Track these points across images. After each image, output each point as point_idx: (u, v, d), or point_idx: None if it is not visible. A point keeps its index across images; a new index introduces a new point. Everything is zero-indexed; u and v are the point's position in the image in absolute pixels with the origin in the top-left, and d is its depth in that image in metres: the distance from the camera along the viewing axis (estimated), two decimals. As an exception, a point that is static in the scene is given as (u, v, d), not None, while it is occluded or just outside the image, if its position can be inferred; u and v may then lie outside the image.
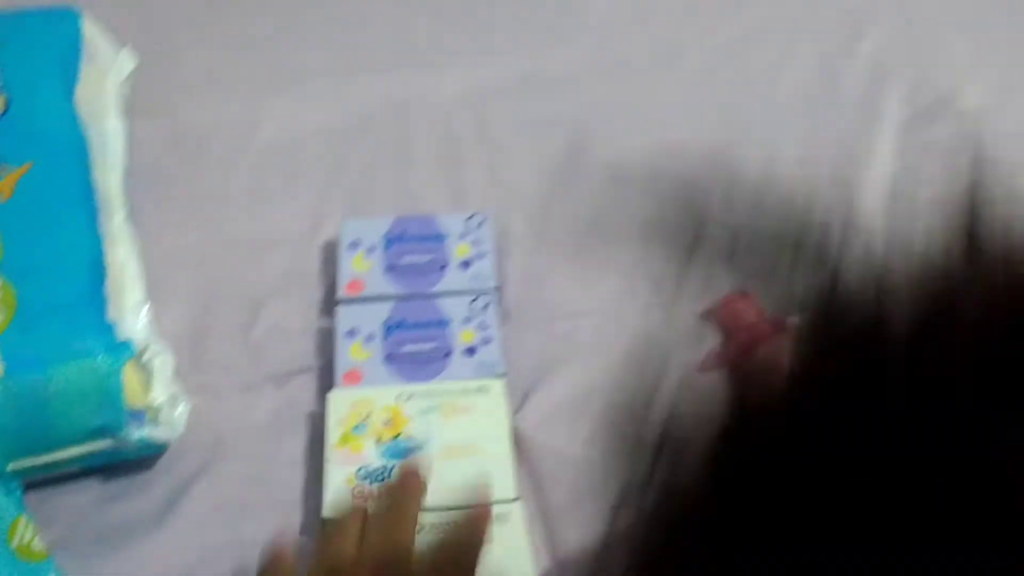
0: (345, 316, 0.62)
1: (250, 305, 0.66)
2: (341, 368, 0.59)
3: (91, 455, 0.55)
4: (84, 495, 0.58)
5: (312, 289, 0.66)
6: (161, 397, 0.55)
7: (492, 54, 0.80)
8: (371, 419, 0.56)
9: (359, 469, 0.54)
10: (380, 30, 0.81)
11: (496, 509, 0.50)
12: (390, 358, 0.59)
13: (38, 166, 0.58)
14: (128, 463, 0.58)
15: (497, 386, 0.58)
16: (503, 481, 0.54)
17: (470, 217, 0.66)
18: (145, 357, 0.54)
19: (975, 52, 0.81)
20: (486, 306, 0.62)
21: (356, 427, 0.56)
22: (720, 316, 0.63)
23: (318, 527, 0.54)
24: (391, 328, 0.61)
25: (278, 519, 0.55)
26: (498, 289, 0.63)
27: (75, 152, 0.60)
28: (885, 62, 0.82)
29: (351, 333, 0.61)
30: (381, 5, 0.83)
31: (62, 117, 0.61)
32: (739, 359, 0.60)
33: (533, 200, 0.71)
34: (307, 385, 0.62)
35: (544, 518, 0.56)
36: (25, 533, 0.49)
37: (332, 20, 0.81)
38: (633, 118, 0.78)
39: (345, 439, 0.56)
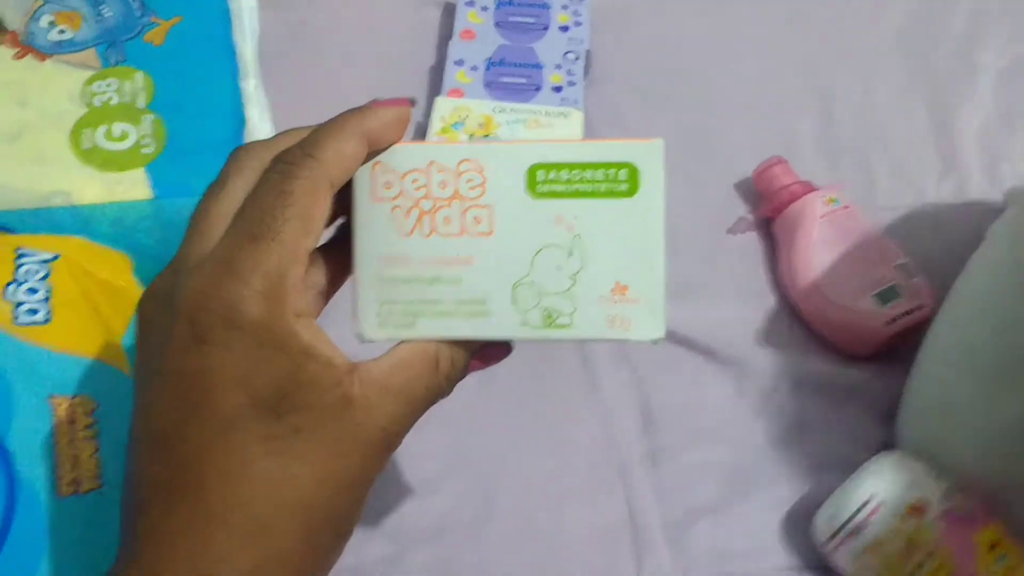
0: (455, 49, 0.72)
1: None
2: (447, 86, 0.70)
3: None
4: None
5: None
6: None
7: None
8: (468, 120, 0.67)
9: None
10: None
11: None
12: (489, 85, 0.70)
13: (187, 20, 0.60)
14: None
15: (576, 115, 0.68)
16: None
17: None
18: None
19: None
20: (576, 59, 0.72)
21: (455, 124, 0.67)
22: (757, 180, 0.68)
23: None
24: (493, 63, 0.72)
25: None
26: (588, 51, 0.73)
27: (219, 13, 0.62)
28: (984, 11, 0.83)
29: (459, 63, 0.72)
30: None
31: (208, -19, 0.63)
32: (774, 215, 0.65)
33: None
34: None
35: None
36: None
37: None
38: (727, 47, 0.80)
39: (444, 131, 0.67)
